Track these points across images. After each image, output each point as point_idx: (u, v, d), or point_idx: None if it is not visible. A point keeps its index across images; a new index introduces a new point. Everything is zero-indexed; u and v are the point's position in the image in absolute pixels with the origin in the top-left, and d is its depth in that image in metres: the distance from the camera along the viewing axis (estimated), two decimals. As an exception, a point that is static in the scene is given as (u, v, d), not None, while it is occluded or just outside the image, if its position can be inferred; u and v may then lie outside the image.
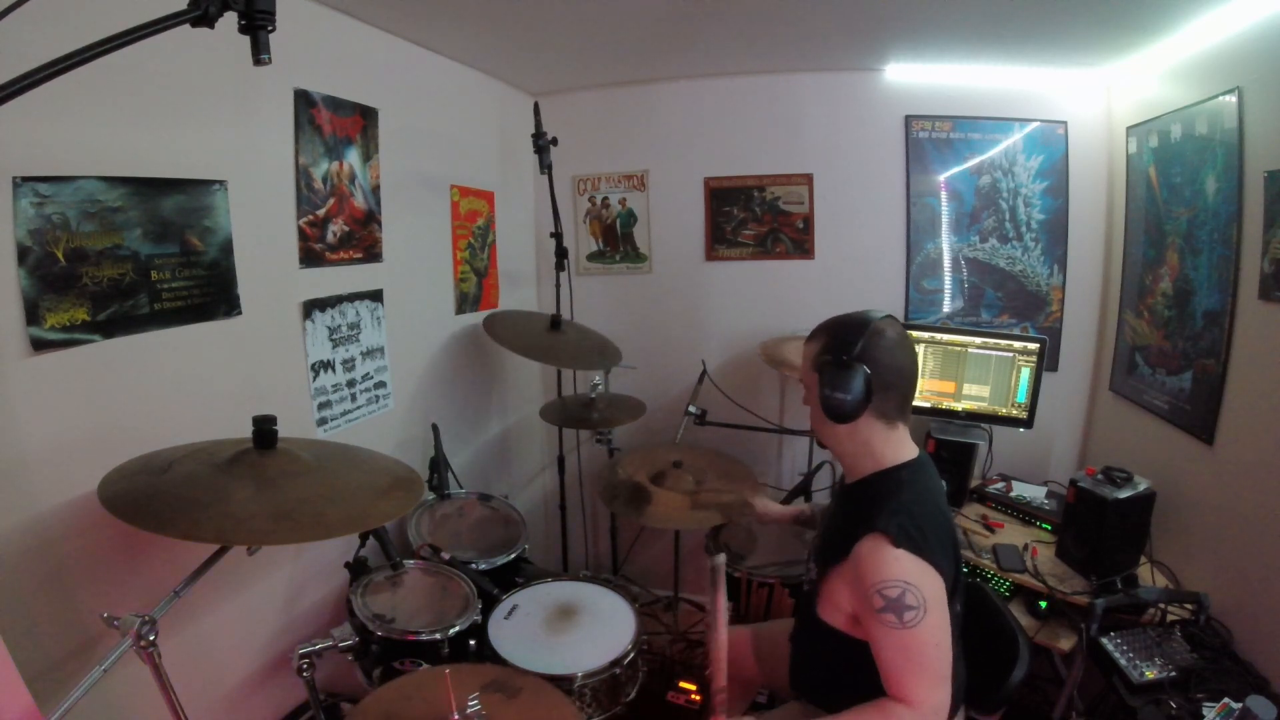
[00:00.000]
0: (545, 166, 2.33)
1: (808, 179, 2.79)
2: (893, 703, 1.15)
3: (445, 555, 1.90)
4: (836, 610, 1.28)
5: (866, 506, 1.24)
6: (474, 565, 1.96)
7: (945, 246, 2.73)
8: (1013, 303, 2.69)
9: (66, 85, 0.81)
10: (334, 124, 1.88)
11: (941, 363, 2.44)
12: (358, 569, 1.81)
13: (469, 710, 1.22)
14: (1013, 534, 2.15)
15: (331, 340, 1.92)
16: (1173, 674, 1.50)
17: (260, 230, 1.68)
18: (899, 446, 1.31)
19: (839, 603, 1.27)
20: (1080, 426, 2.70)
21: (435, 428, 2.31)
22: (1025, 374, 2.34)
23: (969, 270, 2.72)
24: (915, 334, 2.46)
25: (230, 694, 1.68)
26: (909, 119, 2.66)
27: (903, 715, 1.14)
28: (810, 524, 1.87)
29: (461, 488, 2.39)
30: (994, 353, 2.37)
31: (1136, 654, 1.57)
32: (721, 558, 1.50)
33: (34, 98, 0.74)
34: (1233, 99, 1.78)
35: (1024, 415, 2.36)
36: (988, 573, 1.97)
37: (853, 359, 1.25)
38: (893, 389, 1.28)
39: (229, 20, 0.87)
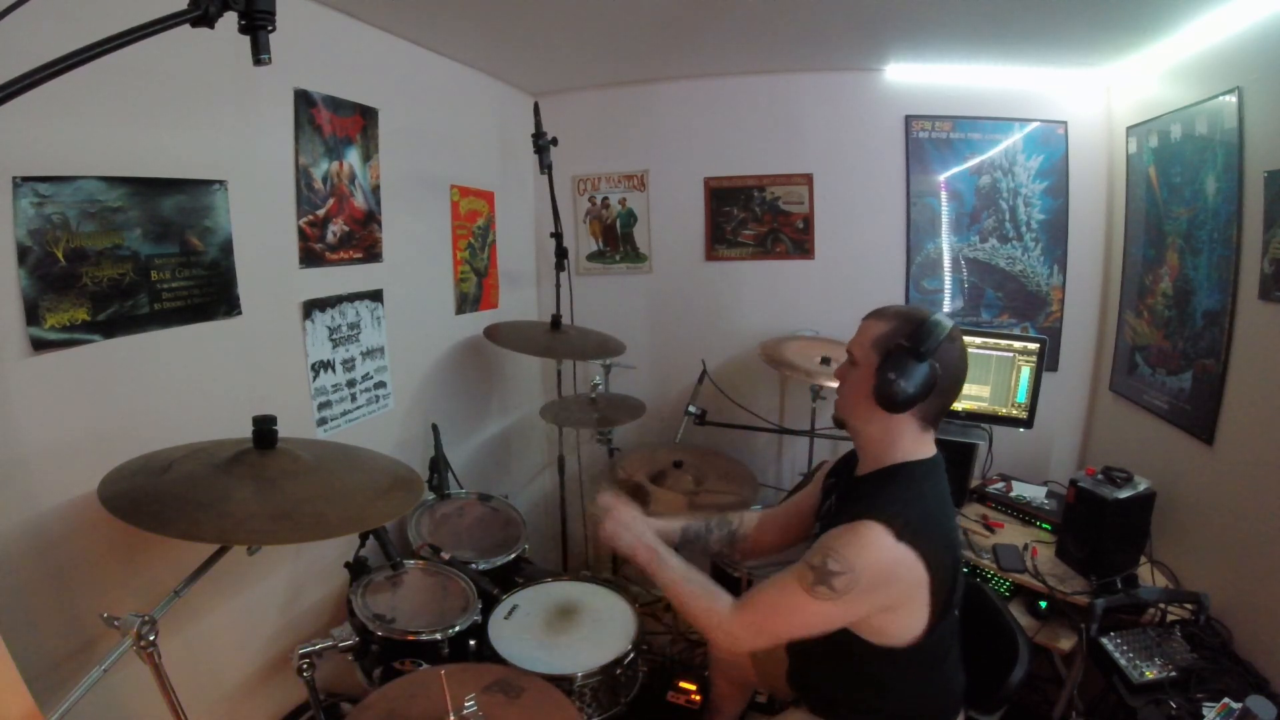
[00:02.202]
0: (545, 166, 2.33)
1: (808, 179, 2.79)
2: (730, 599, 1.26)
3: (445, 555, 1.90)
4: None
5: (875, 495, 1.22)
6: (474, 565, 1.96)
7: (945, 246, 2.73)
8: (1013, 303, 2.69)
9: (66, 85, 0.81)
10: (334, 124, 1.88)
11: (941, 363, 2.44)
12: (358, 569, 1.80)
13: (465, 711, 1.22)
14: (1013, 534, 2.15)
15: (331, 340, 1.92)
16: (1173, 674, 1.50)
17: (260, 230, 1.68)
18: (923, 446, 1.29)
19: None
20: (1080, 426, 2.70)
21: (435, 428, 2.31)
22: (1025, 374, 2.33)
23: (969, 270, 2.72)
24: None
25: (230, 694, 1.68)
26: (909, 119, 2.66)
27: (722, 614, 1.24)
28: (694, 540, 1.66)
29: (461, 488, 2.39)
30: (994, 353, 2.37)
31: (1136, 654, 1.57)
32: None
33: (34, 98, 0.74)
34: (1233, 99, 1.78)
35: (1024, 415, 2.35)
36: (988, 573, 1.97)
37: (930, 352, 1.21)
38: (945, 396, 1.26)
39: (229, 20, 0.87)
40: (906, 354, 1.21)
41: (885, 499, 1.19)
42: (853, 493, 1.36)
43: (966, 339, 2.33)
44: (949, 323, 1.26)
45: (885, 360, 1.23)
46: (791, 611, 1.18)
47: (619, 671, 1.68)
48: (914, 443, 1.28)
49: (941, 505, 1.26)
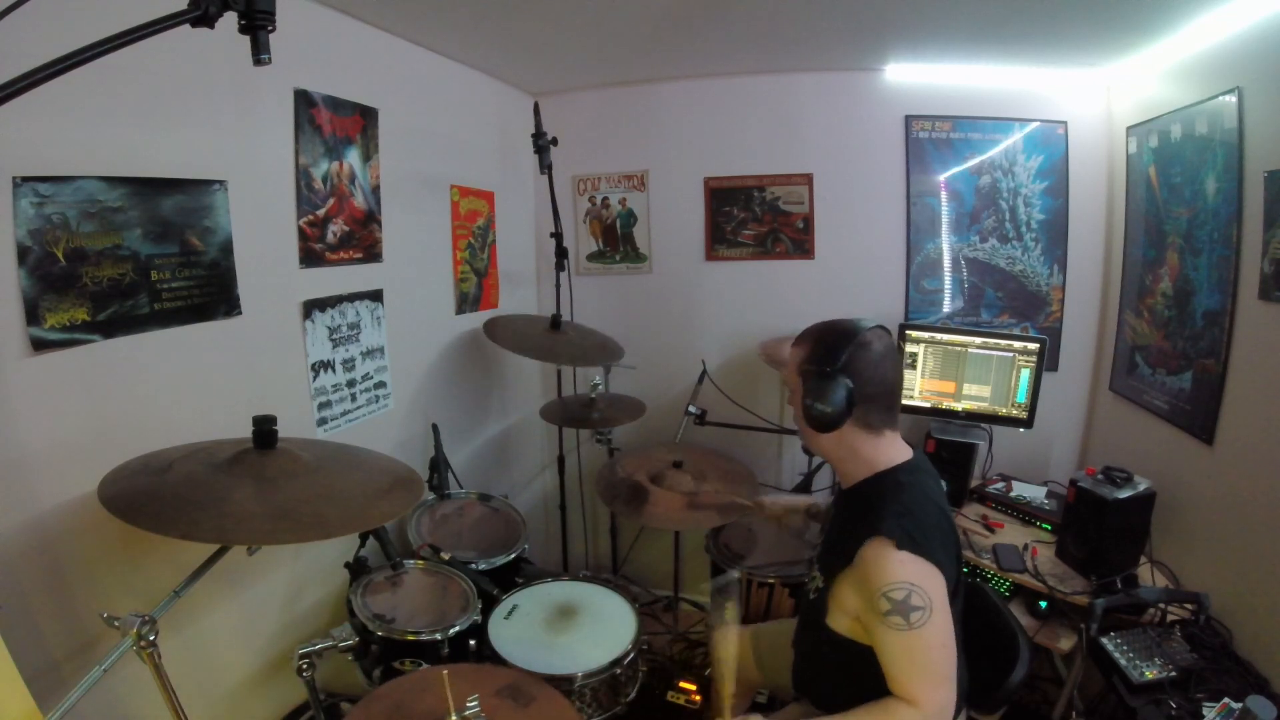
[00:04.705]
0: (545, 166, 2.33)
1: (808, 179, 2.79)
2: (898, 702, 1.16)
3: (445, 555, 1.90)
4: (844, 615, 1.28)
5: (866, 510, 1.24)
6: (474, 565, 1.97)
7: (945, 246, 2.73)
8: (1013, 303, 2.69)
9: (66, 85, 0.81)
10: (334, 124, 1.88)
11: (941, 363, 2.44)
12: (358, 569, 1.81)
13: (467, 712, 1.22)
14: (1013, 534, 2.15)
15: (331, 340, 1.92)
16: (1173, 674, 1.50)
17: (260, 230, 1.68)
18: (889, 450, 1.31)
19: (846, 608, 1.27)
20: (1080, 426, 2.70)
21: (435, 428, 2.31)
22: (1025, 374, 2.34)
23: (969, 270, 2.71)
24: (915, 334, 2.46)
25: (230, 694, 1.68)
26: (909, 119, 2.66)
27: (908, 716, 1.14)
28: (818, 518, 1.86)
29: (461, 488, 2.39)
30: (994, 353, 2.37)
31: (1136, 654, 1.57)
32: (735, 573, 1.50)
33: (34, 98, 0.74)
34: (1233, 99, 1.78)
35: (1024, 415, 2.35)
36: (988, 573, 1.97)
37: (836, 370, 1.24)
38: (875, 401, 1.28)
39: (229, 20, 0.87)
40: (816, 376, 1.26)
41: (875, 514, 1.22)
42: (843, 508, 1.40)
43: (966, 339, 2.39)
44: (859, 330, 1.28)
45: (804, 385, 1.29)
46: (925, 653, 1.15)
47: (619, 671, 1.68)
48: (875, 450, 1.30)
49: (933, 506, 1.27)
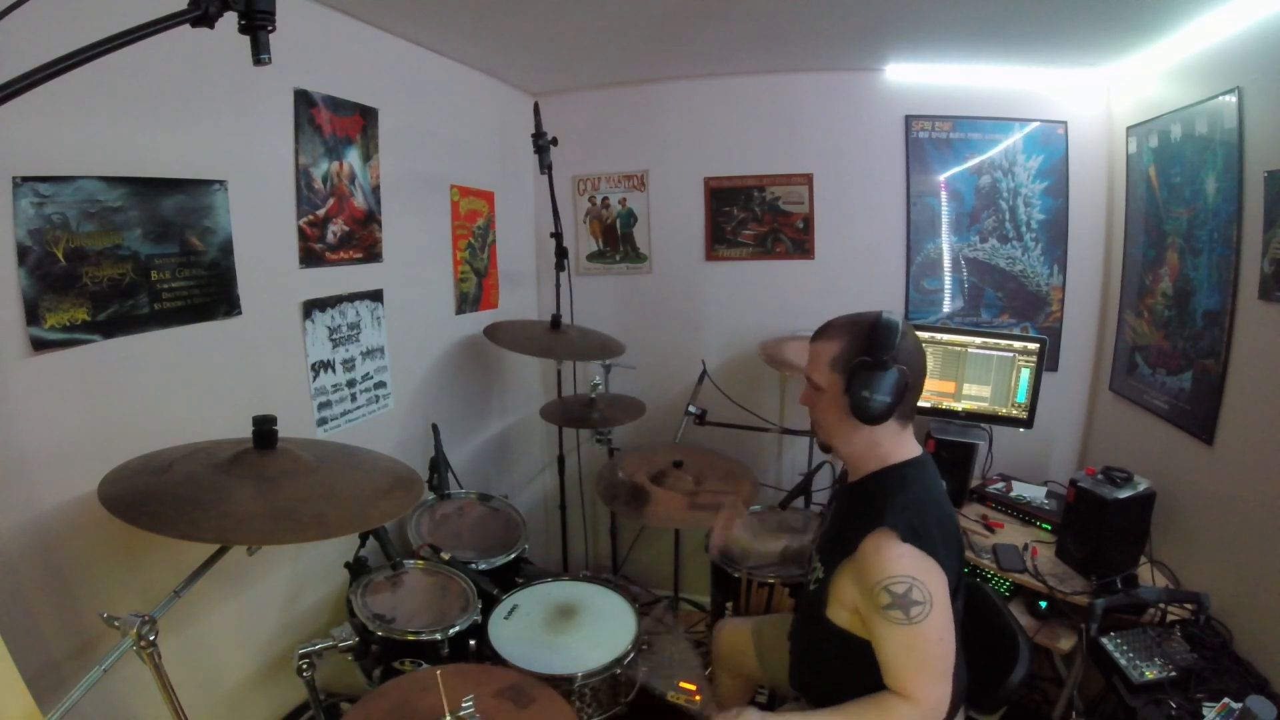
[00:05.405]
0: (545, 166, 2.33)
1: (808, 179, 2.79)
2: (894, 697, 1.16)
3: (445, 555, 1.90)
4: (843, 608, 1.28)
5: (872, 503, 1.24)
6: (474, 565, 1.97)
7: (945, 246, 2.73)
8: (1013, 303, 2.69)
9: (66, 85, 0.81)
10: (334, 124, 1.88)
11: (941, 363, 2.44)
12: (358, 569, 1.81)
13: (462, 712, 1.22)
14: (1013, 534, 2.15)
15: (331, 340, 1.92)
16: (1173, 674, 1.50)
17: (260, 230, 1.68)
18: (905, 445, 1.31)
19: (845, 600, 1.27)
20: (1080, 426, 2.70)
21: (435, 428, 2.31)
22: (1025, 374, 2.33)
23: (969, 270, 2.71)
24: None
25: (230, 694, 1.68)
26: (909, 119, 2.66)
27: (904, 710, 1.14)
28: (794, 560, 1.92)
29: (461, 488, 2.39)
30: (994, 353, 2.37)
31: (1136, 654, 1.56)
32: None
33: (34, 98, 0.74)
34: (1233, 99, 1.78)
35: (1024, 415, 2.35)
36: (988, 573, 1.97)
37: (892, 360, 1.22)
38: (916, 391, 1.29)
39: (229, 20, 0.87)
40: (871, 368, 1.23)
41: (880, 507, 1.21)
42: (847, 500, 1.38)
43: (966, 339, 2.40)
44: (897, 320, 1.27)
45: (852, 379, 1.24)
46: (924, 648, 1.15)
47: (619, 671, 1.68)
48: (895, 444, 1.30)
49: (936, 503, 1.27)
